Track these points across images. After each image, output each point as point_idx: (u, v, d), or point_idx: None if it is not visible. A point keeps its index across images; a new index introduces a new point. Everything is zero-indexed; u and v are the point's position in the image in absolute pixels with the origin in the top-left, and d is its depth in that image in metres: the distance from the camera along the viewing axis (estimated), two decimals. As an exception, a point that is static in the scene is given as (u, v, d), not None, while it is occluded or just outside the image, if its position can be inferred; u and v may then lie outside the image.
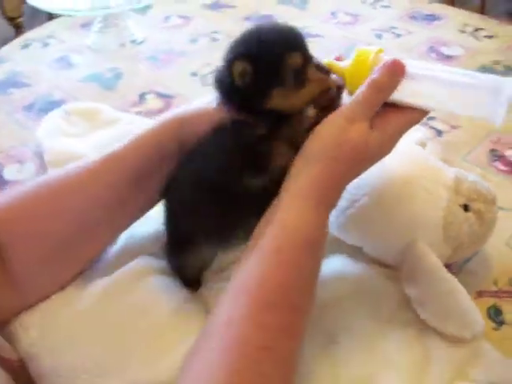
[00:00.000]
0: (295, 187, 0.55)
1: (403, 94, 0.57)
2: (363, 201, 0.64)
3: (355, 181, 0.63)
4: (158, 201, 0.68)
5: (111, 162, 0.65)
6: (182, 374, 0.50)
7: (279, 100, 0.57)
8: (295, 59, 0.57)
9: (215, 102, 0.62)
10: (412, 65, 0.58)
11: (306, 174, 0.55)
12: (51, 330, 0.62)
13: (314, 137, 0.56)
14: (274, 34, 0.58)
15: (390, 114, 0.57)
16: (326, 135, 0.56)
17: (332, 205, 0.57)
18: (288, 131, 0.58)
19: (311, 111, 0.60)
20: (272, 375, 0.48)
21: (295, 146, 0.57)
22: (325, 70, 0.59)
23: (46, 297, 0.64)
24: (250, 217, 0.57)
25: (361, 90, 0.56)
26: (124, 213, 0.67)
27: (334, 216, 0.68)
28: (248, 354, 0.48)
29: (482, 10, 1.55)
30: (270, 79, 0.57)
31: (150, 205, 0.69)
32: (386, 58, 0.59)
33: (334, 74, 0.60)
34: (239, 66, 0.56)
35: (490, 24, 1.33)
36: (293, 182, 0.56)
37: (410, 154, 0.59)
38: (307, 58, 0.58)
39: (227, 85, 0.59)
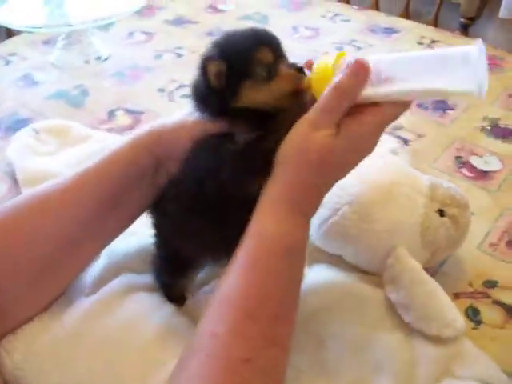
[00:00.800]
0: (269, 193, 0.55)
1: (375, 89, 0.54)
2: (345, 209, 0.66)
3: (336, 190, 0.65)
4: (139, 216, 0.68)
5: (86, 180, 0.64)
6: None
7: (249, 94, 0.57)
8: (264, 53, 0.57)
9: (192, 114, 0.62)
10: (379, 59, 0.55)
11: (277, 180, 0.55)
12: (36, 352, 0.61)
13: (283, 144, 0.55)
14: (244, 33, 0.59)
15: (359, 114, 0.54)
16: (292, 142, 0.55)
17: (308, 212, 0.56)
18: (273, 133, 0.57)
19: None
20: None
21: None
22: (297, 68, 0.58)
23: (30, 318, 0.63)
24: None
25: (323, 95, 0.54)
26: (103, 230, 0.66)
27: (316, 225, 0.69)
28: (232, 367, 0.48)
29: (435, 23, 1.61)
30: (240, 73, 0.56)
31: (131, 220, 0.68)
32: (349, 59, 0.56)
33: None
34: (213, 67, 0.56)
35: (444, 36, 1.39)
36: (268, 188, 0.56)
37: (388, 163, 0.61)
38: (278, 55, 0.58)
39: (203, 90, 0.58)
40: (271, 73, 0.57)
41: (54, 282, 0.65)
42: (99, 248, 0.68)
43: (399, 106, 0.55)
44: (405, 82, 0.53)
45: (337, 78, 0.54)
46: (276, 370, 0.51)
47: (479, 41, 0.51)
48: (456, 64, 0.52)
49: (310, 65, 0.59)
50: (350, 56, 0.57)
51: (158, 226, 0.65)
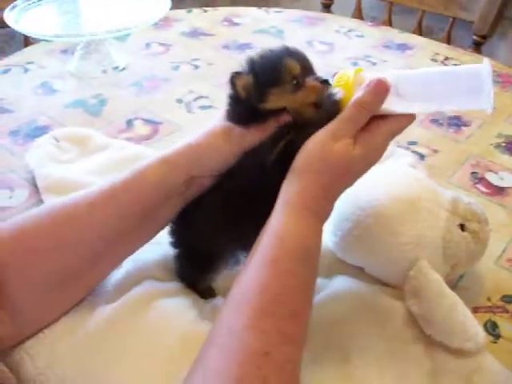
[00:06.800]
0: (286, 198, 0.58)
1: (387, 104, 0.59)
2: (368, 221, 0.67)
3: (359, 203, 0.66)
4: (163, 229, 0.69)
5: (115, 194, 0.64)
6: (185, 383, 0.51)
7: (275, 101, 0.61)
8: (292, 64, 0.61)
9: (219, 127, 0.64)
10: (394, 74, 0.60)
11: (295, 186, 0.58)
12: (59, 357, 0.61)
13: (301, 151, 0.59)
14: (276, 48, 0.64)
15: (373, 126, 0.59)
16: (312, 150, 0.58)
17: (323, 215, 0.59)
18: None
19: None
20: (273, 379, 0.49)
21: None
22: (322, 80, 0.61)
23: (47, 325, 0.63)
24: None
25: (347, 108, 0.59)
26: (126, 245, 0.67)
27: (338, 237, 0.70)
28: (248, 361, 0.49)
29: (448, 41, 1.63)
30: (268, 81, 0.61)
31: (155, 235, 0.69)
32: (368, 75, 0.61)
33: None
34: (240, 80, 0.61)
35: (458, 53, 1.40)
36: (284, 193, 0.59)
37: (411, 177, 0.62)
38: (306, 68, 0.62)
39: (234, 101, 0.63)
40: (298, 84, 0.61)
41: (73, 291, 0.65)
42: (120, 260, 0.69)
43: (409, 117, 0.60)
44: (420, 101, 0.59)
45: (359, 94, 0.59)
46: (292, 366, 0.52)
47: (486, 60, 0.57)
48: (467, 82, 0.58)
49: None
50: (367, 72, 0.63)
51: (189, 228, 0.67)
